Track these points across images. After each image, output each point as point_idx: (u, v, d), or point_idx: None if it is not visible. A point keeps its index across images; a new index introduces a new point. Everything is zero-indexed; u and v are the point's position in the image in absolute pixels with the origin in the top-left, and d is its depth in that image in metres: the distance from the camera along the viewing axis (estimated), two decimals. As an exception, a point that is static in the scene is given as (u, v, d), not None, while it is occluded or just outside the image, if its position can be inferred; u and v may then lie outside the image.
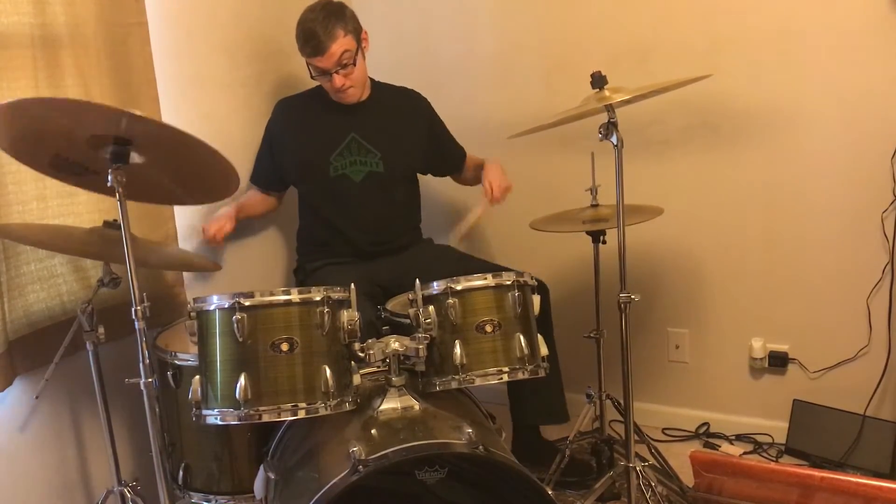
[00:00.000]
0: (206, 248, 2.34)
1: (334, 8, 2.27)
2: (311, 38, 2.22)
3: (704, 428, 2.68)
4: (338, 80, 2.28)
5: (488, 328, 1.64)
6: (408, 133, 2.48)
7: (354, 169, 2.39)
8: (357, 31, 2.30)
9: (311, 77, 2.34)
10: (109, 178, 1.48)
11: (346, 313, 1.57)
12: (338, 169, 2.39)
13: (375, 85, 2.49)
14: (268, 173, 2.48)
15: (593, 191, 2.23)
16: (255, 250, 2.61)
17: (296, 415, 1.51)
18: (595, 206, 2.24)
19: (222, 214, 2.30)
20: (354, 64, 2.29)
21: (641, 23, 2.53)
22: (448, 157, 2.61)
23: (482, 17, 2.79)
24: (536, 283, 1.75)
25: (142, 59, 2.05)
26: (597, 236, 2.24)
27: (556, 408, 2.35)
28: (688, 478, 2.12)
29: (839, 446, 2.36)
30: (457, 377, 1.62)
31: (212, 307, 1.52)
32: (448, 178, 2.70)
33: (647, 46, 2.52)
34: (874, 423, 2.35)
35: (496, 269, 1.75)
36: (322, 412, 1.51)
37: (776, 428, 2.55)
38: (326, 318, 1.53)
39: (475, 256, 2.50)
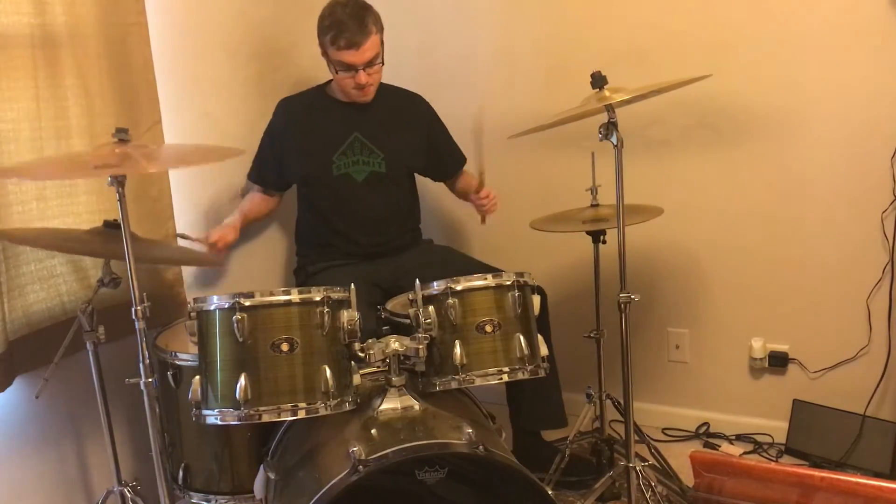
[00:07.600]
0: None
1: (365, 4, 2.27)
2: (344, 30, 2.19)
3: (704, 428, 2.68)
4: (363, 77, 2.26)
5: (488, 328, 1.64)
6: (409, 134, 2.48)
7: (357, 168, 2.39)
8: (382, 31, 2.30)
9: (334, 72, 2.29)
10: (109, 178, 1.49)
11: (346, 313, 1.57)
12: (340, 168, 2.38)
13: (379, 86, 2.48)
14: (271, 173, 2.47)
15: (593, 191, 2.23)
16: (255, 250, 2.60)
17: (296, 415, 1.51)
18: (595, 206, 2.24)
19: (226, 224, 2.31)
20: (382, 63, 2.30)
21: (641, 23, 2.53)
22: (448, 161, 2.60)
23: (482, 17, 2.79)
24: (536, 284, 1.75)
25: (142, 58, 2.05)
26: (597, 236, 2.24)
27: (555, 413, 2.35)
28: (688, 478, 2.12)
29: (839, 446, 2.36)
30: (457, 377, 1.62)
31: (212, 307, 1.52)
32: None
33: (647, 46, 2.52)
34: (874, 423, 2.35)
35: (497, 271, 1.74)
36: (322, 412, 1.52)
37: (776, 428, 2.55)
38: (326, 318, 1.53)
39: (476, 258, 2.50)
